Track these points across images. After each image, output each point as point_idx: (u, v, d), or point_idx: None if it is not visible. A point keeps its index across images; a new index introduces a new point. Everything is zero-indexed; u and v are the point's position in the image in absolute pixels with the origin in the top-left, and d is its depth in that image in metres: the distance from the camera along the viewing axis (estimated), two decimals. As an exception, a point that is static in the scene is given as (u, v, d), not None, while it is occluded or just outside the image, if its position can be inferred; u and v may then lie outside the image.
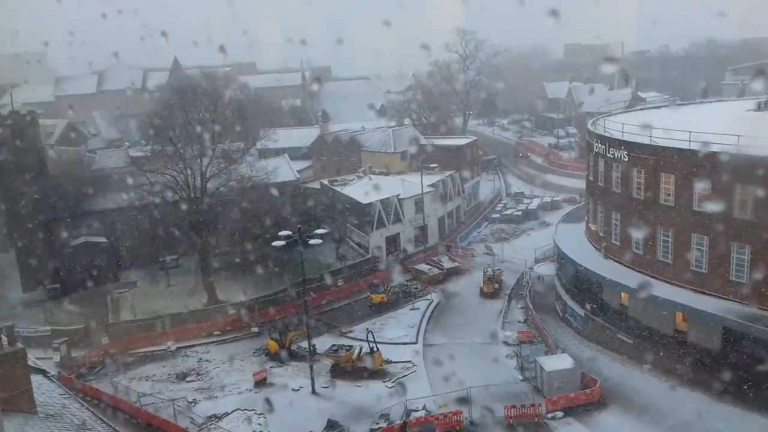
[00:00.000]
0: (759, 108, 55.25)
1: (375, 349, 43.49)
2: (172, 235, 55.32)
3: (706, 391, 36.31)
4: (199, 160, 54.86)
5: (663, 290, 41.27)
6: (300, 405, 39.95)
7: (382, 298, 55.26)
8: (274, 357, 46.46)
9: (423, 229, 69.69)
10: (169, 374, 45.68)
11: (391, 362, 44.37)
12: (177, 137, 54.99)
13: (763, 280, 36.95)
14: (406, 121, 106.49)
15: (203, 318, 52.52)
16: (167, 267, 60.51)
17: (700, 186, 39.54)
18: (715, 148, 38.10)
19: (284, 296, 54.19)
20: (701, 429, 33.49)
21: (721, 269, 39.13)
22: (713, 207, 38.82)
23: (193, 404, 41.07)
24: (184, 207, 54.19)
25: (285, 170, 71.24)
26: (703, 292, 39.67)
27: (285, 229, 43.10)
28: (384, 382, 42.14)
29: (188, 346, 49.62)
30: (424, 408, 37.35)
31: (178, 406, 39.94)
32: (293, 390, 41.95)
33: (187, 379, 44.88)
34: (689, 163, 39.89)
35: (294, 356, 46.53)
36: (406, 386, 40.45)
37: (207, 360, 47.56)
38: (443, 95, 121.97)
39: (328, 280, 56.18)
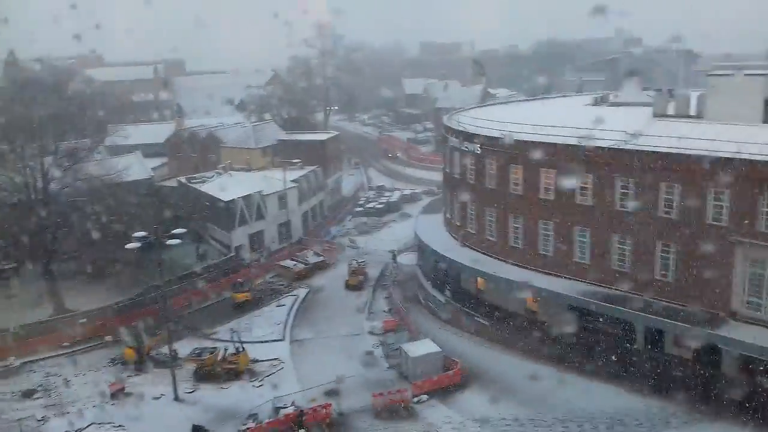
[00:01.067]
0: (595, 103, 60.14)
1: (241, 349, 42.54)
2: (10, 240, 50.71)
3: (557, 365, 39.13)
4: (39, 159, 50.67)
5: (516, 274, 43.94)
6: (162, 413, 38.16)
7: (246, 296, 54.16)
8: (131, 365, 44.08)
9: (287, 225, 69.11)
10: (13, 392, 41.90)
11: (258, 361, 43.58)
12: (14, 134, 50.42)
13: (602, 260, 40.41)
14: (267, 116, 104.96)
15: (49, 329, 48.61)
16: (5, 276, 55.39)
17: (546, 175, 42.42)
18: (557, 141, 41.19)
19: (140, 301, 51.47)
20: (553, 399, 35.99)
21: (566, 252, 42.27)
22: (557, 195, 41.89)
23: (42, 422, 37.99)
24: (23, 210, 49.85)
25: (138, 168, 67.70)
26: (552, 274, 42.66)
27: (140, 230, 40.93)
28: (251, 381, 41.33)
29: (34, 361, 45.77)
30: (293, 404, 37.08)
31: (26, 426, 36.82)
32: (154, 398, 40.01)
33: (34, 396, 41.39)
34: (535, 155, 42.60)
35: (154, 363, 44.40)
36: (275, 384, 40.00)
37: (56, 374, 44.13)
38: (304, 90, 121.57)
39: (188, 281, 54.08)
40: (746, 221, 33.75)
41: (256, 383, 41.03)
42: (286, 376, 41.76)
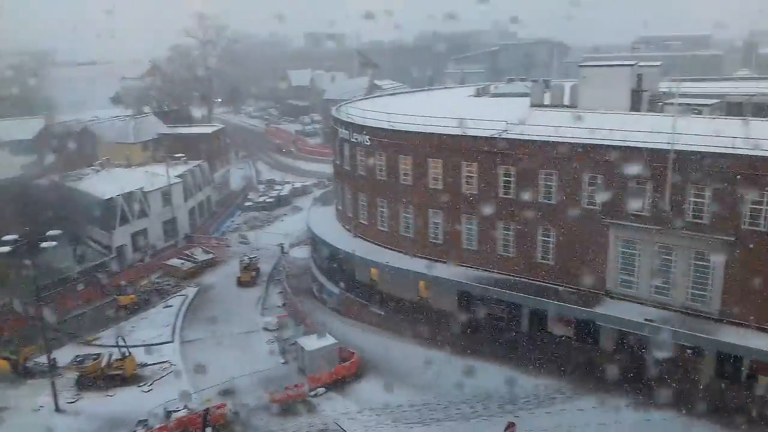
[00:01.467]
0: (477, 94, 62.22)
1: (127, 354, 40.62)
2: None
3: (450, 350, 40.31)
4: None
5: (408, 263, 44.77)
6: (43, 426, 35.77)
7: (132, 298, 51.73)
8: (6, 377, 40.95)
9: (173, 222, 66.54)
10: None
11: (146, 365, 41.79)
12: None
13: (489, 246, 41.97)
14: (146, 109, 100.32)
15: None
16: None
17: (433, 165, 43.42)
18: (442, 131, 42.27)
19: (10, 309, 47.80)
20: (447, 383, 37.03)
21: (455, 240, 43.53)
22: (445, 184, 43.02)
23: None
24: None
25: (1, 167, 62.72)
26: (443, 261, 43.80)
27: (9, 233, 37.95)
28: (139, 387, 39.61)
29: None
30: (185, 407, 35.89)
31: None
32: (34, 410, 37.45)
33: None
34: (422, 145, 43.51)
35: (31, 374, 41.51)
36: (165, 388, 38.53)
37: None
38: (185, 82, 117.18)
39: (66, 285, 50.85)
40: (617, 204, 36.16)
41: (145, 388, 39.37)
42: (177, 378, 40.32)
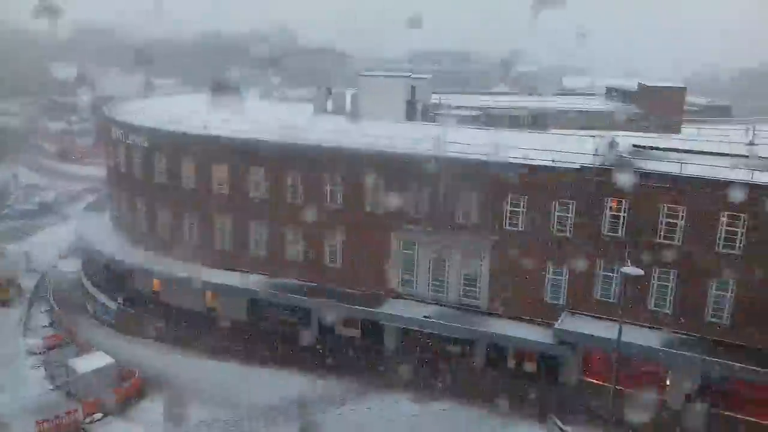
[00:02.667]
0: (261, 98, 61.83)
1: None
2: None
3: (239, 360, 39.54)
4: None
5: (193, 271, 43.04)
6: None
7: None
8: None
9: None
10: None
11: None
12: None
13: (278, 252, 41.93)
14: None
15: None
16: None
17: (217, 170, 42.28)
18: (225, 134, 41.38)
19: None
20: (237, 395, 36.19)
21: (243, 246, 42.79)
22: (232, 189, 42.14)
23: None
24: None
25: None
26: (231, 269, 42.77)
27: None
28: None
29: None
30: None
31: None
32: None
33: None
34: (204, 149, 42.16)
35: None
36: None
37: None
38: None
39: None
40: (398, 208, 38.24)
41: None
42: None
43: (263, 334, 41.43)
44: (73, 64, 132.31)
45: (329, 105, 51.85)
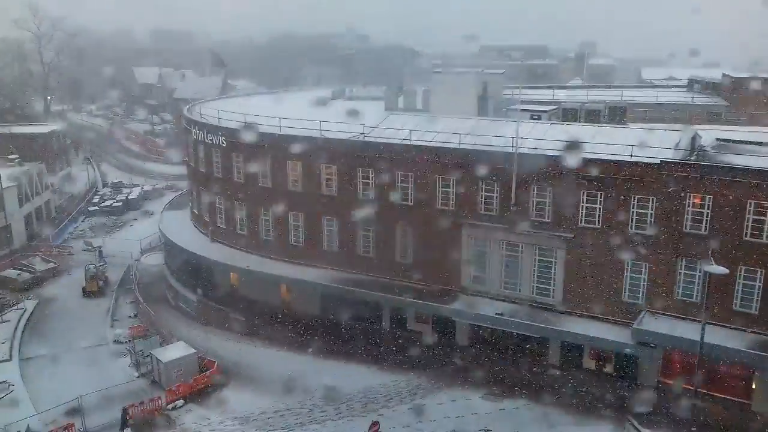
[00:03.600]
0: (333, 97, 62.68)
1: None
2: None
3: (313, 352, 40.37)
4: None
5: (268, 266, 44.22)
6: None
7: (-41, 315, 46.72)
8: None
9: (6, 229, 60.85)
10: None
11: (-21, 388, 37.90)
12: None
13: (349, 247, 42.50)
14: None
15: None
16: None
17: (293, 167, 43.22)
18: (301, 133, 42.16)
19: None
20: (310, 386, 36.95)
21: (315, 242, 43.60)
22: (305, 186, 42.98)
23: None
24: None
25: None
26: (304, 264, 43.67)
27: None
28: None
29: None
30: (27, 430, 33.02)
31: None
32: None
33: None
34: (281, 147, 43.12)
35: None
36: (3, 410, 35.17)
37: None
38: (17, 77, 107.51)
39: None
40: (468, 205, 38.06)
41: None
42: (17, 399, 36.93)
43: (335, 328, 42.10)
44: (155, 68, 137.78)
45: (400, 102, 52.02)
